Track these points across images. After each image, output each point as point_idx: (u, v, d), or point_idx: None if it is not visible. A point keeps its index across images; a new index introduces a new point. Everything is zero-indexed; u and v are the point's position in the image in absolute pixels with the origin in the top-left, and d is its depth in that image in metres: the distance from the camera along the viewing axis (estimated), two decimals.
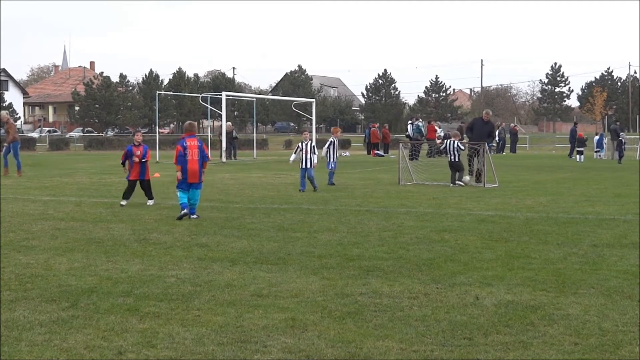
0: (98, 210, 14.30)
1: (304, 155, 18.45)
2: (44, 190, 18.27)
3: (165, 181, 22.37)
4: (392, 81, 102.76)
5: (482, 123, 21.69)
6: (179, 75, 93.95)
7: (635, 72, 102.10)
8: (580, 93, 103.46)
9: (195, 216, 13.11)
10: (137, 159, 15.30)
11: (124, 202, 15.14)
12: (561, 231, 11.26)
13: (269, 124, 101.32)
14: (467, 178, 20.34)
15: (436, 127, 42.83)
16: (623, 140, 36.84)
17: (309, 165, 18.38)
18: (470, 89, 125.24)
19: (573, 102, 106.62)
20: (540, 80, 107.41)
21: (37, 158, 41.79)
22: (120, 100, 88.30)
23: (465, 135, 24.22)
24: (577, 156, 37.94)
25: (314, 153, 18.58)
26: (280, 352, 5.41)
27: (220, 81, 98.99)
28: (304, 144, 18.60)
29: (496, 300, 6.90)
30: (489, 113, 22.71)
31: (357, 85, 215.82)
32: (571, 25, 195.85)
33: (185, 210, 13.00)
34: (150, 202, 15.44)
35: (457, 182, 20.07)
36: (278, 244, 10.22)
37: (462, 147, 20.61)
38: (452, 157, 20.32)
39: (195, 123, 14.93)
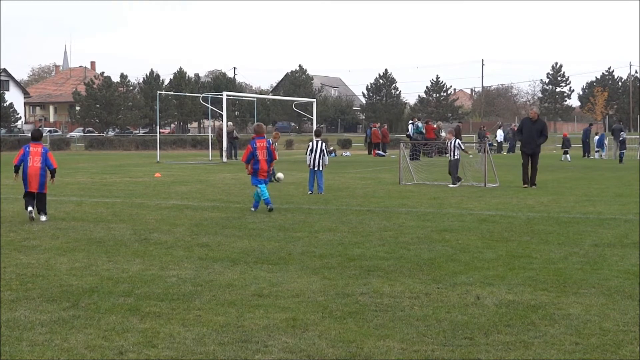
0: (99, 210, 14.30)
1: (313, 156, 17.78)
2: None
3: (167, 181, 22.38)
4: (393, 81, 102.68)
5: (531, 122, 20.03)
6: (180, 75, 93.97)
7: (636, 72, 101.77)
8: (581, 93, 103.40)
9: (253, 209, 14.03)
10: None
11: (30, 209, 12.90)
12: (562, 231, 11.25)
13: (270, 124, 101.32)
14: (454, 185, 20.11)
15: (434, 126, 42.82)
16: (623, 138, 36.94)
17: (319, 167, 17.75)
18: (471, 89, 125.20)
19: (574, 101, 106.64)
20: (541, 80, 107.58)
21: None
22: (121, 100, 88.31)
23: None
24: (563, 156, 38.33)
25: (325, 155, 17.90)
26: (281, 352, 5.40)
27: (221, 81, 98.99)
28: (314, 144, 17.94)
29: (497, 300, 6.89)
30: (535, 111, 21.21)
31: (358, 85, 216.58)
32: (572, 25, 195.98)
33: (270, 205, 13.86)
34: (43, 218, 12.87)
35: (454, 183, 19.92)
36: (279, 243, 10.21)
37: (462, 147, 20.59)
38: (452, 155, 20.30)
39: (263, 124, 15.32)
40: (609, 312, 6.45)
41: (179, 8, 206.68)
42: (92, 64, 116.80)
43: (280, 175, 20.70)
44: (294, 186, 19.86)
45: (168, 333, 5.87)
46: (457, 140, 20.76)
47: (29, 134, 13.98)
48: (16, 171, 13.18)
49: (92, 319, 6.28)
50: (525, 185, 19.28)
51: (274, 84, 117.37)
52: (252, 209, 14.11)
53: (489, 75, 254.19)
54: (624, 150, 36.07)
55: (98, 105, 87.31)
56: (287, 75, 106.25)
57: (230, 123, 40.67)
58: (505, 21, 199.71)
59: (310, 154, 17.90)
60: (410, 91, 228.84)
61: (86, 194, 17.84)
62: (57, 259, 9.11)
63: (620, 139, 36.80)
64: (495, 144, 50.26)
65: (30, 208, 12.81)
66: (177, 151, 56.32)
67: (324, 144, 18.25)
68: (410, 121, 45.24)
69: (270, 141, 14.56)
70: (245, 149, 14.39)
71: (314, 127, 44.16)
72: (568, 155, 38.56)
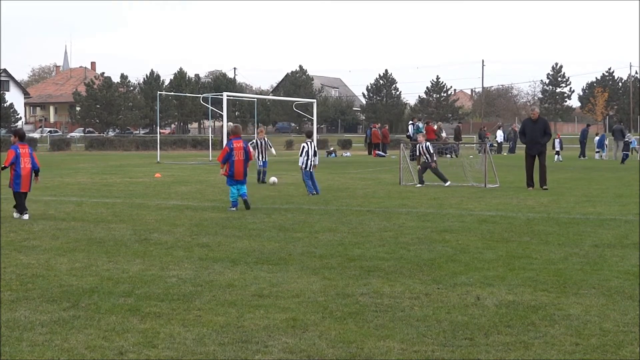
0: (99, 211, 14.31)
1: (310, 158, 17.53)
2: (45, 191, 18.27)
3: (167, 181, 22.39)
4: (393, 81, 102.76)
5: (532, 123, 19.27)
6: (180, 75, 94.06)
7: (636, 73, 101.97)
8: (581, 93, 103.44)
9: (234, 209, 14.22)
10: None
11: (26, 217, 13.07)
12: (562, 231, 11.25)
13: (270, 124, 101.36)
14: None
15: (435, 127, 42.83)
16: (629, 140, 37.15)
17: (311, 168, 17.59)
18: (472, 89, 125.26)
19: (574, 102, 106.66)
20: (542, 80, 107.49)
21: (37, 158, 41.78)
22: (121, 101, 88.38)
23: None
24: (556, 156, 38.53)
25: (315, 155, 17.75)
26: (281, 353, 5.40)
27: (221, 81, 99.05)
28: (308, 145, 17.65)
29: (497, 301, 6.89)
30: (537, 111, 20.31)
31: (358, 86, 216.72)
32: (572, 25, 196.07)
33: (234, 208, 14.16)
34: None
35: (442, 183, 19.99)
36: (279, 244, 10.21)
37: (430, 151, 20.56)
38: (428, 158, 20.44)
39: (240, 126, 15.81)
40: (609, 313, 6.45)
41: (179, 8, 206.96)
42: (92, 64, 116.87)
43: (273, 179, 20.68)
44: (294, 186, 19.85)
45: (168, 333, 5.87)
46: (427, 144, 20.81)
47: (22, 135, 14.16)
48: (3, 170, 13.54)
49: (92, 319, 6.28)
50: (531, 188, 18.67)
51: (274, 85, 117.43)
52: (233, 209, 14.13)
53: (489, 76, 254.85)
54: (627, 152, 36.23)
55: (98, 106, 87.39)
56: (287, 75, 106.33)
57: (230, 124, 40.66)
58: (505, 21, 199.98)
59: (305, 156, 17.59)
60: (411, 92, 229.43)
61: (86, 195, 17.84)
62: (57, 259, 9.10)
63: (625, 139, 36.91)
64: (495, 145, 50.28)
65: (26, 216, 13.02)
66: (178, 151, 56.32)
67: (314, 144, 18.20)
68: (411, 122, 45.19)
69: (247, 143, 14.97)
70: (222, 150, 14.65)
71: (314, 128, 44.22)
72: (560, 156, 38.97)
